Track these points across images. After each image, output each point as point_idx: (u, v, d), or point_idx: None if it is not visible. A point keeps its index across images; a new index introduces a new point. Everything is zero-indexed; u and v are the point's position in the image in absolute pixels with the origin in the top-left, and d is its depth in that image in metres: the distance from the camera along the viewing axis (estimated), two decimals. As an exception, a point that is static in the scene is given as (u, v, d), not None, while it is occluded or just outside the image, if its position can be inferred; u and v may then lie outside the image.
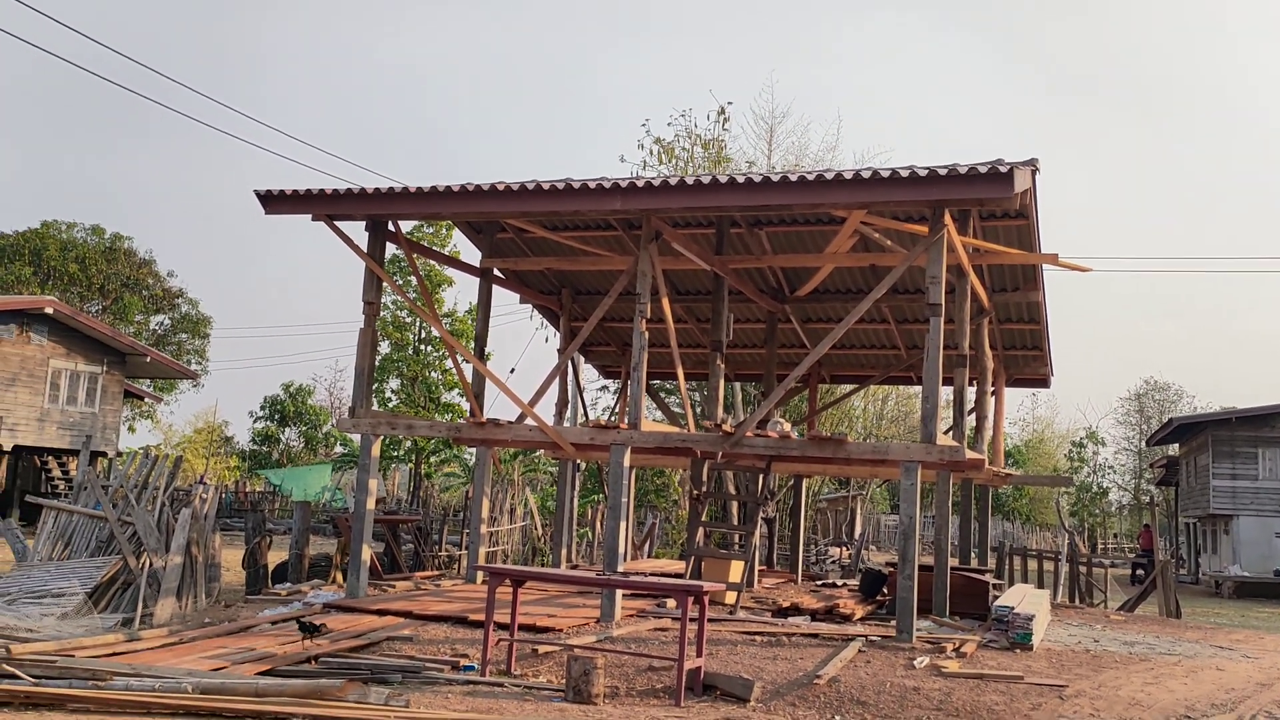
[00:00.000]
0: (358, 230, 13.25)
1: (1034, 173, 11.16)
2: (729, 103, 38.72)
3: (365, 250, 13.00)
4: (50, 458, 29.76)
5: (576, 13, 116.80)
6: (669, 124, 30.45)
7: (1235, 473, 32.30)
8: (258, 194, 12.56)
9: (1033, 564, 22.60)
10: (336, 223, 12.81)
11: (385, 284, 13.08)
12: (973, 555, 17.63)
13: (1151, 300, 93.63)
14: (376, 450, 12.80)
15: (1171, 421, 36.26)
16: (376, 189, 12.29)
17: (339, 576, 14.72)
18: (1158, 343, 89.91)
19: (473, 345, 15.44)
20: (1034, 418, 63.64)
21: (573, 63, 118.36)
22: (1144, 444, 54.02)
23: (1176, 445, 41.14)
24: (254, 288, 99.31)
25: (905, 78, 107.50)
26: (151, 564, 11.89)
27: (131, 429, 46.58)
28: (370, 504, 12.46)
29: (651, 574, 15.07)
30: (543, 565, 19.64)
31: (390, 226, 13.29)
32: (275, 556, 16.12)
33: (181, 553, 12.05)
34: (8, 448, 28.03)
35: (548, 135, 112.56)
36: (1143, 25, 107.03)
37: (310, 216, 12.71)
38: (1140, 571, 32.46)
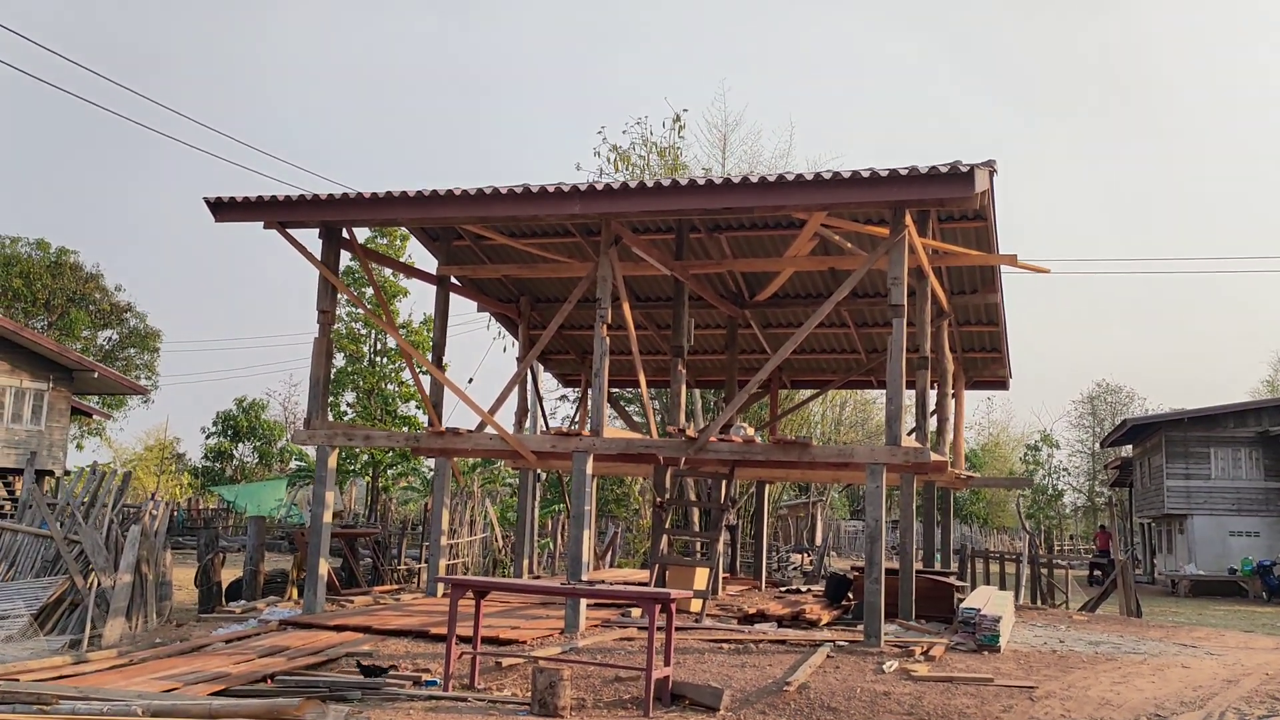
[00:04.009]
0: (312, 238, 13.02)
1: (992, 174, 11.17)
2: (684, 110, 38.77)
3: (319, 258, 12.74)
4: (-6, 477, 28.93)
5: (531, 22, 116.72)
6: (624, 131, 30.39)
7: (1189, 473, 32.78)
8: (207, 201, 12.26)
9: (994, 566, 22.70)
10: (289, 230, 12.53)
11: (340, 293, 12.83)
12: (936, 558, 17.66)
13: (1104, 303, 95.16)
14: (333, 462, 12.51)
15: (1125, 423, 36.74)
16: (330, 195, 12.04)
17: (295, 592, 14.38)
18: (1110, 346, 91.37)
19: (430, 355, 15.20)
20: (989, 421, 64.41)
21: (529, 73, 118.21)
22: (1098, 446, 54.77)
23: (1130, 446, 41.70)
24: (205, 300, 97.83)
25: (857, 85, 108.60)
26: (100, 583, 11.51)
27: (80, 446, 45.56)
28: (327, 517, 12.17)
29: (615, 583, 14.89)
30: (504, 577, 19.37)
31: (345, 234, 13.03)
32: (229, 574, 15.72)
33: (131, 571, 11.67)
34: (-50, 467, 27.21)
35: (504, 146, 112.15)
36: (1093, 29, 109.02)
37: (262, 224, 12.43)
38: (1098, 572, 32.81)
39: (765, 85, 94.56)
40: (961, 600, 12.80)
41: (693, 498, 24.03)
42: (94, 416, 38.89)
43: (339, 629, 10.84)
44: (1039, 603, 19.71)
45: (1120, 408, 56.80)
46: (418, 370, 14.74)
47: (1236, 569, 30.32)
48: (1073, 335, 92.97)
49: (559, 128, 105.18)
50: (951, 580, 13.65)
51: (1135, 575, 33.38)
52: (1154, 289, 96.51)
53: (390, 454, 32.01)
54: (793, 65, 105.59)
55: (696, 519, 24.93)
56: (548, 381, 24.32)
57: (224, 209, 12.25)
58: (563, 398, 31.76)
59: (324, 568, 12.19)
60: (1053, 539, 51.99)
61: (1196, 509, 32.51)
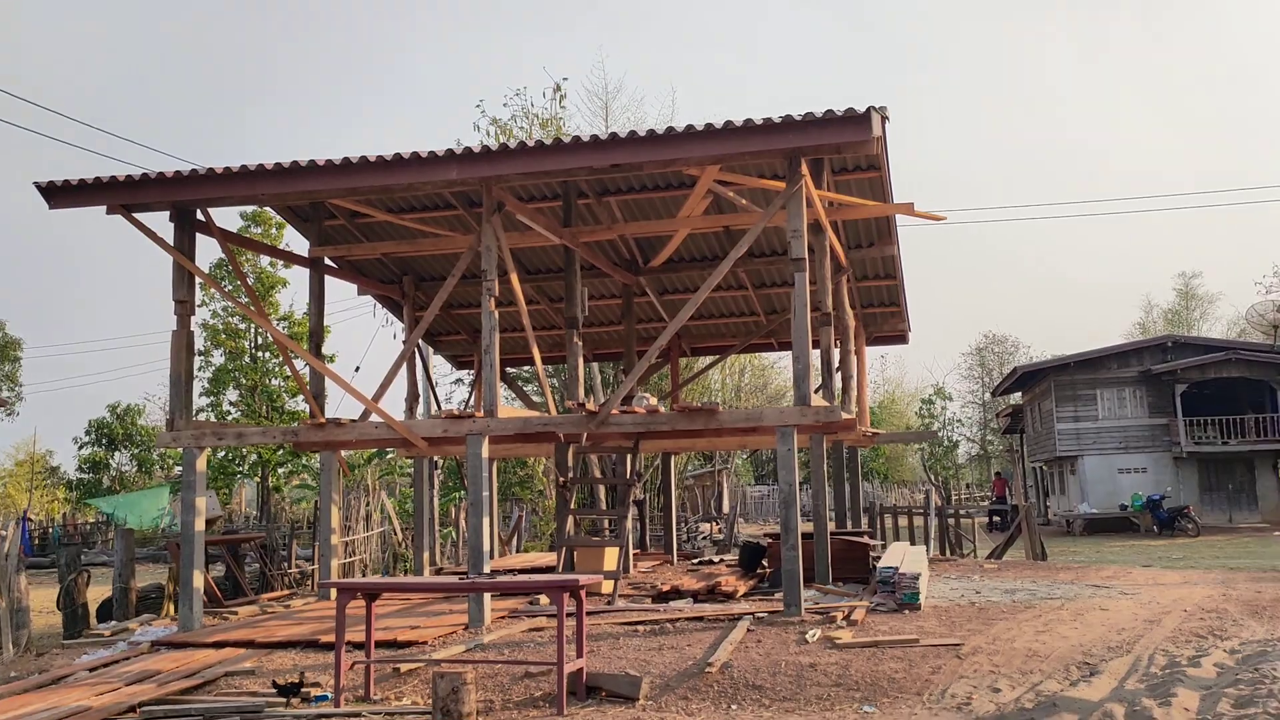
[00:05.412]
0: (163, 223, 11.89)
1: (884, 120, 10.74)
2: (564, 79, 37.91)
3: (172, 244, 11.64)
4: None
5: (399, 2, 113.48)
6: (505, 104, 29.51)
7: (1077, 415, 33.61)
8: (39, 186, 11.04)
9: (901, 521, 22.74)
10: (136, 214, 11.41)
11: (201, 281, 11.77)
12: (846, 518, 17.44)
13: (983, 255, 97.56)
14: (203, 464, 11.49)
15: (1016, 370, 37.56)
16: (177, 172, 10.96)
17: (172, 609, 13.30)
18: (994, 297, 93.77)
19: (307, 345, 14.20)
20: (884, 379, 65.41)
21: (395, 52, 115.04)
22: (988, 395, 56.07)
23: (1020, 394, 42.70)
24: (68, 304, 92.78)
25: (741, 47, 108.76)
26: (-57, 617, 10.32)
27: (-60, 467, 42.49)
28: (199, 525, 11.16)
29: (521, 570, 14.21)
30: (405, 571, 18.51)
31: (200, 216, 11.95)
32: (100, 592, 14.51)
33: (-21, 600, 10.51)
34: None
35: (375, 133, 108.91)
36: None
37: (104, 209, 11.28)
38: (997, 518, 33.45)
39: (643, 50, 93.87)
40: (877, 559, 12.51)
41: (597, 475, 23.48)
42: (-49, 434, 36.24)
43: (219, 645, 9.91)
44: (949, 554, 19.76)
45: (1007, 357, 58.23)
46: (295, 361, 13.71)
47: (1127, 505, 31.23)
48: (960, 288, 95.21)
49: (434, 112, 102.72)
50: (866, 540, 13.38)
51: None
52: (1027, 238, 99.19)
53: (280, 452, 30.58)
54: (673, 28, 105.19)
55: (603, 496, 24.40)
56: (442, 366, 23.39)
57: (59, 194, 11.06)
58: (458, 381, 30.86)
59: (199, 580, 11.19)
60: (950, 489, 53.14)
61: (1086, 449, 33.39)
